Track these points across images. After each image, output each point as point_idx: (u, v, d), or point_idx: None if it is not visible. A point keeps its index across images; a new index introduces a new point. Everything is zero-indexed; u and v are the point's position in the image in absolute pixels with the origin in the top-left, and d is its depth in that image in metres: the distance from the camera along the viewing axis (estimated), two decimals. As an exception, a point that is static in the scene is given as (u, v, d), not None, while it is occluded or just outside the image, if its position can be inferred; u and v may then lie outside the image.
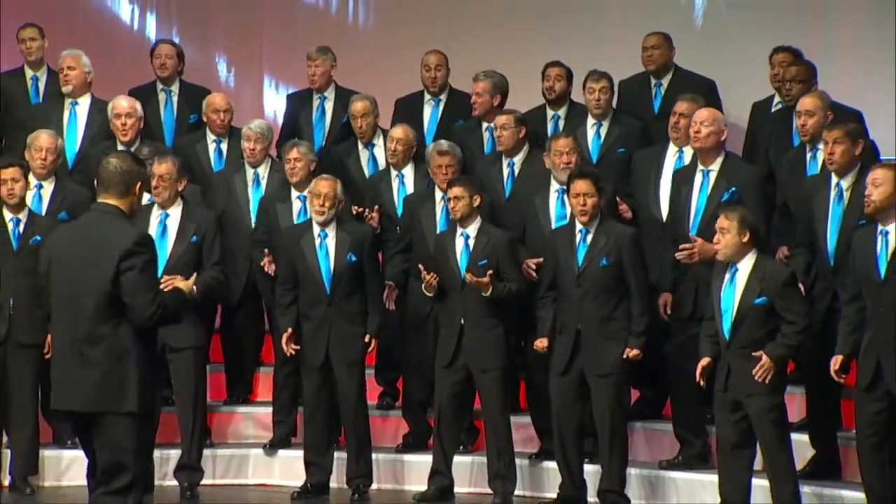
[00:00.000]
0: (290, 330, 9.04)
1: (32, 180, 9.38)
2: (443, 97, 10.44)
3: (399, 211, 9.64)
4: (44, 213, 9.29)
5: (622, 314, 8.52)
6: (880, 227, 7.54)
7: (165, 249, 8.86)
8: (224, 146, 10.23)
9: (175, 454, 9.32)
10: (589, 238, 8.56)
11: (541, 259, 8.90)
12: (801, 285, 8.10)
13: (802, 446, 8.41)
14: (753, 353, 7.74)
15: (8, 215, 9.05)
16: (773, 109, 9.89)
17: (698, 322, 8.31)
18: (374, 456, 9.29)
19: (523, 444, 9.36)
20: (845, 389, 8.47)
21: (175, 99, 10.66)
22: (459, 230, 8.92)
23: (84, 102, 10.33)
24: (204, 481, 9.32)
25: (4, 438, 9.21)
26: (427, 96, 10.47)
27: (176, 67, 10.68)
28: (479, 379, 8.86)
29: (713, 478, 8.17)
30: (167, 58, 10.65)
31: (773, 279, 7.82)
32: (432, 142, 9.86)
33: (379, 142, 10.08)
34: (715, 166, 8.72)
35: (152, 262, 6.26)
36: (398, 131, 9.76)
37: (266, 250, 9.51)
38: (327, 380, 9.07)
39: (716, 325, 7.92)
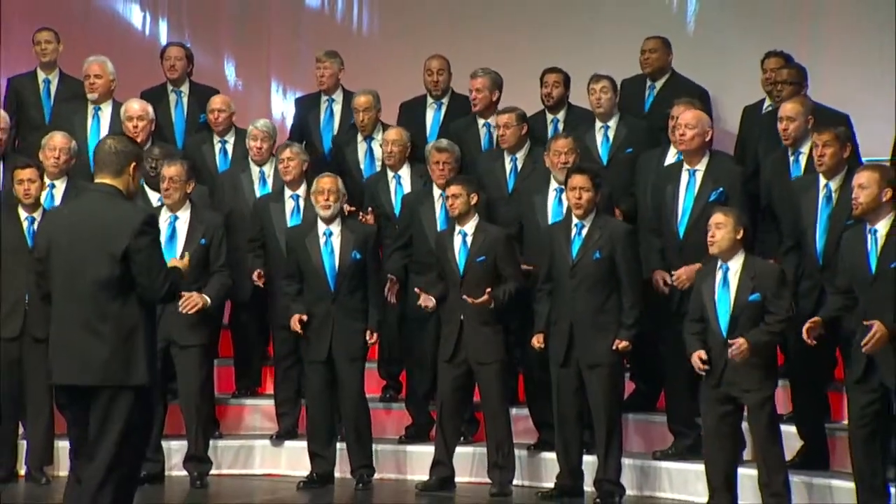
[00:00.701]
0: (304, 315, 9.04)
1: (46, 181, 9.41)
2: (445, 100, 10.49)
3: (396, 210, 9.70)
4: (56, 211, 9.40)
5: (613, 307, 8.57)
6: (869, 227, 7.62)
7: (175, 252, 8.92)
8: (229, 146, 10.31)
9: (181, 445, 9.34)
10: (584, 232, 8.62)
11: (531, 267, 8.97)
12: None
13: (790, 437, 8.47)
14: (728, 341, 7.81)
15: (23, 214, 9.12)
16: (763, 112, 9.88)
17: (683, 318, 8.32)
18: (377, 447, 9.36)
19: (523, 435, 9.40)
20: (832, 383, 8.64)
21: (185, 99, 10.74)
22: (457, 228, 8.98)
23: (106, 107, 10.41)
24: (212, 471, 9.37)
25: (21, 430, 9.30)
26: (430, 99, 10.53)
27: (185, 69, 10.74)
28: (478, 372, 8.93)
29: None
30: (176, 59, 10.72)
31: (766, 276, 7.93)
32: (434, 142, 9.92)
33: (378, 136, 10.14)
34: (701, 166, 8.78)
35: (158, 240, 6.33)
36: (393, 133, 9.83)
37: (258, 272, 9.54)
38: (330, 374, 9.12)
39: (706, 324, 7.98)
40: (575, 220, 8.66)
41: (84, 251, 6.23)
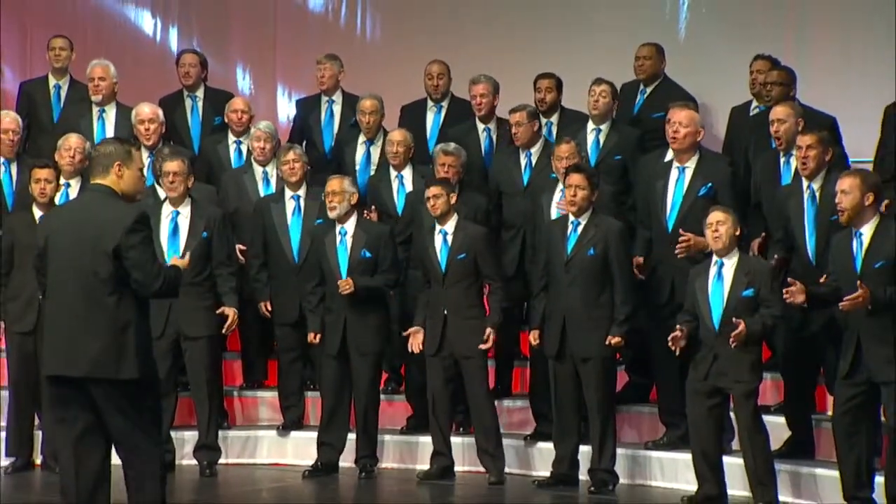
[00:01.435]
0: (318, 335, 9.26)
1: (62, 181, 9.53)
2: (444, 104, 10.60)
3: (399, 208, 9.83)
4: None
5: (606, 302, 8.68)
6: (854, 230, 7.76)
7: (178, 246, 9.05)
8: (244, 147, 10.40)
9: (192, 435, 9.50)
10: (580, 229, 8.73)
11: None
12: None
13: (779, 428, 8.63)
14: (734, 320, 7.95)
15: (38, 213, 9.20)
16: (751, 113, 10.02)
17: (673, 311, 8.50)
18: (380, 437, 9.47)
19: (518, 426, 9.56)
20: (819, 377, 8.78)
21: (200, 104, 10.85)
22: (438, 227, 9.13)
23: (110, 109, 10.52)
24: (221, 461, 9.49)
25: (36, 421, 9.44)
26: (430, 103, 10.64)
27: (199, 75, 10.87)
28: (462, 365, 9.07)
29: (696, 458, 8.36)
30: (191, 66, 10.85)
31: (759, 273, 8.12)
32: (434, 146, 10.02)
33: (379, 141, 10.26)
34: (691, 163, 8.90)
35: (151, 238, 6.43)
36: (398, 134, 9.94)
37: (265, 304, 9.73)
38: (343, 367, 9.25)
39: (700, 317, 8.14)
40: (571, 218, 8.78)
41: (78, 248, 6.34)
